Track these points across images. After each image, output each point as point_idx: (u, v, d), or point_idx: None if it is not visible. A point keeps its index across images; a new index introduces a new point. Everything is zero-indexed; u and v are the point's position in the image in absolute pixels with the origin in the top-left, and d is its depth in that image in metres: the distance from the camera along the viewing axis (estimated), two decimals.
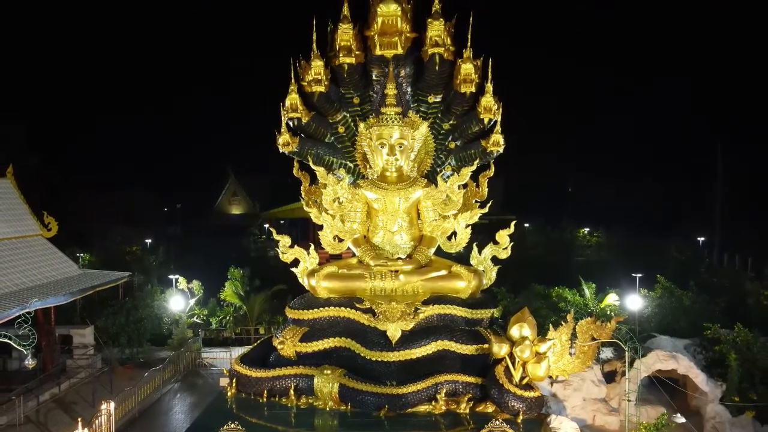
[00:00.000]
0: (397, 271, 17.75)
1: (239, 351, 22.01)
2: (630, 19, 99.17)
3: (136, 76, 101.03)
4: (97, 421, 14.51)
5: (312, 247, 19.47)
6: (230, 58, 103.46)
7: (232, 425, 13.82)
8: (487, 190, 19.60)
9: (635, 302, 23.02)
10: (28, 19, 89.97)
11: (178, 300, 26.00)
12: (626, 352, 15.68)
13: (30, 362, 13.77)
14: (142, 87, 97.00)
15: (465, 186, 19.20)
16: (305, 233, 56.74)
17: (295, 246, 19.38)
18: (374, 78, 19.56)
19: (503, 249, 18.81)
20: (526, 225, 55.40)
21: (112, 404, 15.33)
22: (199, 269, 32.38)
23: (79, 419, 13.91)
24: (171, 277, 27.37)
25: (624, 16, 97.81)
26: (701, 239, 44.34)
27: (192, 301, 26.94)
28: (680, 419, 13.99)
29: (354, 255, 19.34)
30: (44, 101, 77.79)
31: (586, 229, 55.00)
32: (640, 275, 24.47)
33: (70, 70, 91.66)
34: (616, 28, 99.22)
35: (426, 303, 17.03)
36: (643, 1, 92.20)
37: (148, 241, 43.30)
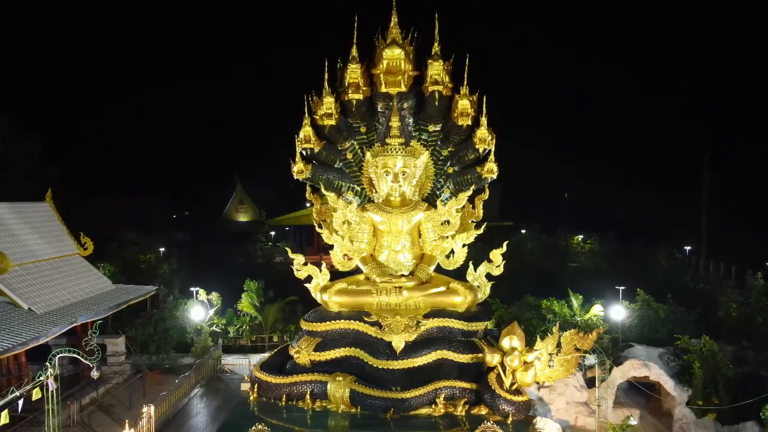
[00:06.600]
0: (400, 287, 19.73)
1: (256, 358, 23.94)
2: (629, 28, 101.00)
3: (136, 80, 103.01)
4: (140, 423, 16.54)
5: (324, 265, 21.40)
6: (241, 70, 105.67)
7: (260, 426, 15.83)
8: (482, 211, 21.58)
9: (618, 313, 24.95)
10: (38, 31, 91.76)
11: (199, 310, 27.93)
12: (596, 364, 17.69)
13: (95, 374, 15.84)
14: (142, 90, 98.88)
15: (462, 208, 21.09)
16: (309, 240, 58.74)
17: (308, 264, 21.34)
18: (379, 110, 21.47)
19: (496, 267, 20.70)
20: (523, 231, 56.66)
21: (152, 407, 17.34)
22: (211, 276, 34.18)
23: (126, 421, 15.97)
24: (192, 289, 29.27)
25: (623, 25, 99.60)
26: (688, 248, 46.07)
27: (211, 312, 28.86)
28: (633, 421, 16.07)
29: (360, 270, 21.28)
30: (55, 112, 79.76)
31: (581, 236, 56.23)
32: (623, 287, 26.36)
33: (74, 79, 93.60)
34: (616, 36, 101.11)
35: (427, 316, 19.03)
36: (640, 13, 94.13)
37: (162, 249, 44.88)
